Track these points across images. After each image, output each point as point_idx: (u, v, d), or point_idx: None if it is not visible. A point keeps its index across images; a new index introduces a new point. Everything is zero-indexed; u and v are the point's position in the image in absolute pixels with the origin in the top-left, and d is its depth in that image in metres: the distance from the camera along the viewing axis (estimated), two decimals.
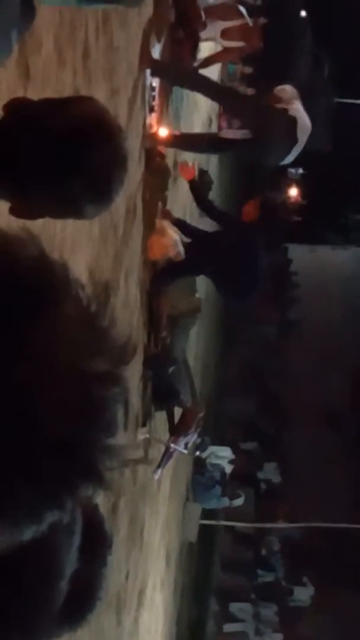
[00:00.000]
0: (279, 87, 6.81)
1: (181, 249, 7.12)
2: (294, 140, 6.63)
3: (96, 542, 1.09)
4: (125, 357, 0.82)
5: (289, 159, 6.81)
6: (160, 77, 6.75)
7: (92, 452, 0.78)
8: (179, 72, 7.19)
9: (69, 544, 0.95)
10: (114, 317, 0.82)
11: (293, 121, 6.54)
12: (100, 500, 1.16)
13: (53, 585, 0.94)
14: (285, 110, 6.55)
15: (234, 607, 19.16)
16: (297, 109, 6.59)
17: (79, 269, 4.19)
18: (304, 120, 6.61)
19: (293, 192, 27.36)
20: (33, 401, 0.75)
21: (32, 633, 0.95)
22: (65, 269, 0.82)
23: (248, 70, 20.06)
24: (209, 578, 17.75)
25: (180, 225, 7.23)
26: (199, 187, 7.75)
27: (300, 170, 29.93)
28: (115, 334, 0.82)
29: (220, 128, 11.78)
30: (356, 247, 33.92)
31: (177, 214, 7.62)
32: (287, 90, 6.74)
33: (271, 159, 7.09)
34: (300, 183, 27.08)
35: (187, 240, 7.29)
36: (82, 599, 1.06)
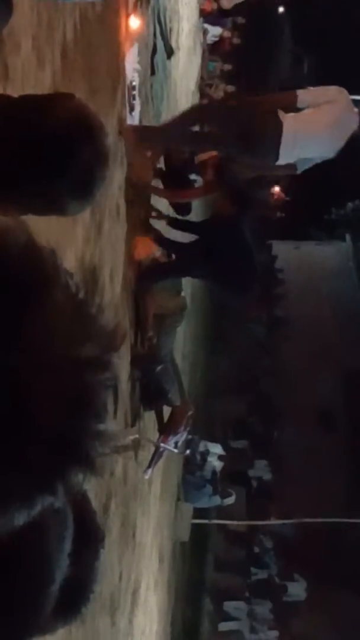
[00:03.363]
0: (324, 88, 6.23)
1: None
2: (277, 145, 6.01)
3: (88, 535, 1.09)
4: (114, 343, 0.82)
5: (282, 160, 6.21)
6: (148, 142, 6.67)
7: (82, 438, 0.78)
8: (162, 130, 6.97)
9: (60, 549, 0.94)
10: (102, 304, 0.82)
11: (279, 125, 5.98)
12: (91, 501, 1.16)
13: (43, 591, 0.93)
14: (274, 113, 6.02)
15: (229, 605, 19.16)
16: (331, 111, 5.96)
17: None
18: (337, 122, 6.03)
19: (276, 188, 27.40)
20: (23, 387, 0.75)
21: (22, 634, 0.94)
22: (54, 255, 0.82)
23: (228, 67, 20.14)
24: (202, 577, 17.75)
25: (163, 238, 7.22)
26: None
27: None
28: (104, 320, 0.82)
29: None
30: (340, 242, 34.04)
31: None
32: (330, 90, 6.16)
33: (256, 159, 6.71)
34: (283, 179, 27.10)
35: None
36: (76, 593, 1.06)
